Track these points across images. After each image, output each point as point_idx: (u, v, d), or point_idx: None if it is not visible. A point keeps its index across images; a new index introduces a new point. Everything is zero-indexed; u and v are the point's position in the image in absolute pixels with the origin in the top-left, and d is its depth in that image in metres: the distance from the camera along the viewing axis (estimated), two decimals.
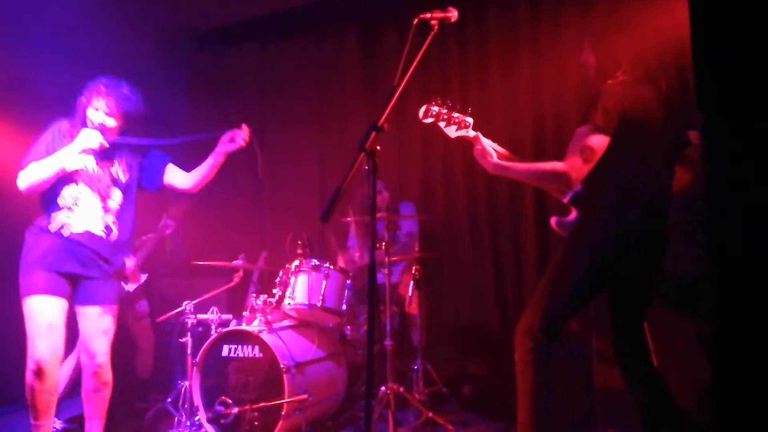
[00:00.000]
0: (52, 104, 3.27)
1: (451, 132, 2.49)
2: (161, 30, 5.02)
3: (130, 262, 4.02)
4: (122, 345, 4.22)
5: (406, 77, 1.94)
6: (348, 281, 3.65)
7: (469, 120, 2.48)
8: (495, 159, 2.44)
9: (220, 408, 3.24)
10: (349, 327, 3.84)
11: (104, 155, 2.89)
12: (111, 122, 2.85)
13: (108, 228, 2.86)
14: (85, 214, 2.81)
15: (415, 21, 2.07)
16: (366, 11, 4.89)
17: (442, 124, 2.50)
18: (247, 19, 5.24)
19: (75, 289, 2.82)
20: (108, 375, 2.87)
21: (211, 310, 3.66)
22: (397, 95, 1.91)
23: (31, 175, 2.72)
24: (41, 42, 4.06)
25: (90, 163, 2.85)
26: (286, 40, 5.25)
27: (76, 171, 2.81)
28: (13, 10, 3.94)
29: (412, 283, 3.80)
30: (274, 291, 3.60)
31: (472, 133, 2.48)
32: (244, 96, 5.38)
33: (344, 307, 3.60)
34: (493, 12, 4.44)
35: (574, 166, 2.25)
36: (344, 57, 5.03)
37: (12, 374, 4.34)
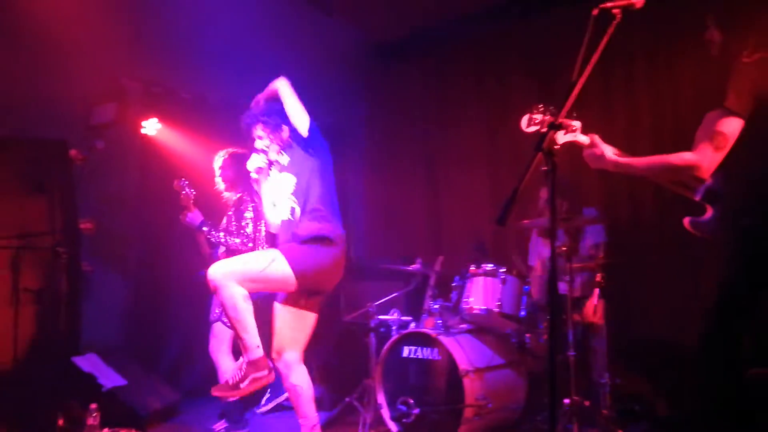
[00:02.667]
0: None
1: (559, 137, 2.22)
2: (339, 44, 5.36)
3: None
4: None
5: (586, 72, 1.83)
6: (525, 287, 3.55)
7: (576, 123, 2.27)
8: (612, 155, 2.26)
9: (402, 407, 3.34)
10: (528, 335, 3.72)
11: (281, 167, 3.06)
12: (260, 144, 3.01)
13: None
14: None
15: (595, 11, 1.94)
16: (533, 7, 4.77)
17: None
18: (421, 30, 5.39)
19: None
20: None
21: (391, 311, 3.80)
22: (576, 91, 1.81)
23: None
24: (244, 66, 4.61)
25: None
26: (457, 46, 5.30)
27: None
28: (214, 41, 4.53)
29: (596, 291, 3.57)
30: (451, 295, 3.64)
31: (582, 137, 2.28)
32: (418, 104, 5.54)
33: (522, 313, 3.50)
34: None
35: (704, 155, 2.06)
36: (516, 56, 4.94)
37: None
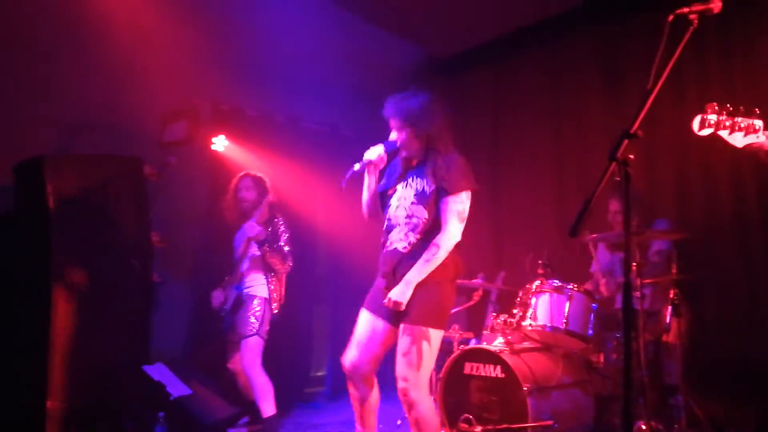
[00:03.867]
0: (317, 137, 3.79)
1: (738, 140, 2.10)
2: (400, 59, 5.42)
3: None
4: None
5: (662, 79, 1.77)
6: (593, 304, 3.44)
7: (758, 123, 2.07)
8: None
9: (463, 425, 3.28)
10: (597, 354, 3.59)
11: (409, 171, 2.85)
12: (394, 135, 2.81)
13: (411, 245, 2.73)
14: (395, 232, 2.77)
15: (670, 17, 1.88)
16: (601, 18, 4.67)
17: (724, 133, 2.10)
18: (481, 44, 5.38)
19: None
20: (408, 397, 2.62)
21: (452, 327, 3.76)
22: (651, 99, 1.76)
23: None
24: (309, 83, 4.74)
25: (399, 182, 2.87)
26: (518, 59, 5.25)
27: (392, 190, 2.86)
28: (279, 60, 4.67)
29: (669, 309, 3.41)
30: (514, 311, 3.56)
31: (764, 138, 2.08)
32: (479, 118, 5.50)
33: (590, 331, 3.39)
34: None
35: None
36: (580, 66, 4.84)
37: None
